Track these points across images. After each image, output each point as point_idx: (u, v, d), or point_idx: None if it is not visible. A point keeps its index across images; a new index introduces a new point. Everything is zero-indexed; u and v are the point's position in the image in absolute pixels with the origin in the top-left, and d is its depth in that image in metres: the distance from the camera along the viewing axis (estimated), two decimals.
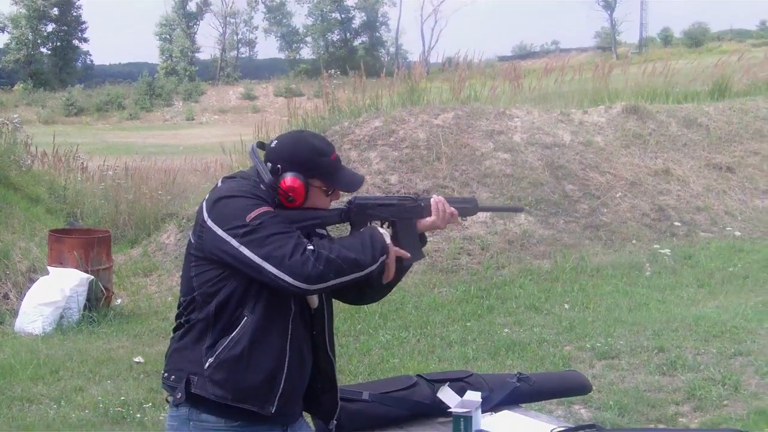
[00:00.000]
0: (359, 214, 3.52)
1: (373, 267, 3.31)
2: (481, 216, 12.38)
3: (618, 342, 8.64)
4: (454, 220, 3.67)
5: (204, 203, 3.31)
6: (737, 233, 13.61)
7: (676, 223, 13.54)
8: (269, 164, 3.36)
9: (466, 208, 3.76)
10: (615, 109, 16.53)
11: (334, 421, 3.67)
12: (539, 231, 12.49)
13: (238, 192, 3.27)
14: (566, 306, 10.29)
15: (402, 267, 3.57)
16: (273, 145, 3.43)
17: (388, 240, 3.39)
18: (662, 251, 12.30)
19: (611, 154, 14.90)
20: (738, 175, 15.70)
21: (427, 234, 3.70)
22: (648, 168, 14.91)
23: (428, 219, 3.60)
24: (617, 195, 13.77)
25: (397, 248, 3.44)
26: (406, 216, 3.59)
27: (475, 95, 16.93)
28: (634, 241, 12.71)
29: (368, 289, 3.64)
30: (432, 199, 3.62)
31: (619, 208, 13.53)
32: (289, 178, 3.31)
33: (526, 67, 26.57)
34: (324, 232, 3.60)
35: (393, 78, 18.71)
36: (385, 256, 3.36)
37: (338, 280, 3.21)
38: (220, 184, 3.42)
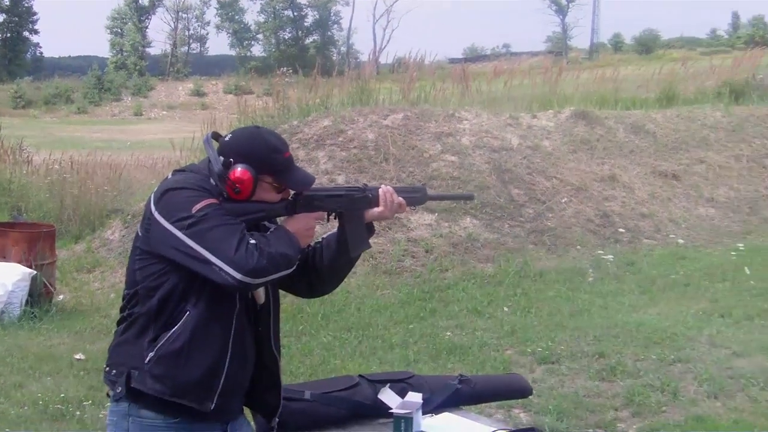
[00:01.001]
0: (306, 205, 3.47)
1: (296, 264, 3.32)
2: (426, 218, 12.39)
3: (559, 347, 8.69)
4: (402, 209, 3.67)
5: (152, 195, 3.28)
6: (680, 241, 13.73)
7: (621, 230, 13.62)
8: (222, 157, 3.31)
9: (415, 197, 3.75)
10: (564, 114, 16.64)
11: (276, 420, 3.64)
12: (484, 235, 12.49)
13: (184, 184, 3.25)
14: (507, 310, 10.32)
15: (351, 258, 3.60)
16: (227, 138, 3.39)
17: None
18: (605, 257, 12.37)
19: (558, 159, 14.97)
20: (683, 183, 15.86)
21: (375, 224, 3.71)
22: (594, 174, 15.00)
23: (376, 209, 3.59)
24: (563, 200, 13.83)
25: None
26: (354, 207, 3.57)
27: (425, 97, 16.93)
28: (578, 247, 12.77)
29: (318, 283, 3.67)
30: (380, 189, 3.60)
31: (565, 213, 13.58)
32: (239, 170, 3.26)
33: (476, 70, 26.55)
34: (272, 226, 3.54)
35: (343, 77, 18.66)
36: (300, 253, 3.37)
37: (275, 275, 3.20)
38: (170, 176, 3.39)
